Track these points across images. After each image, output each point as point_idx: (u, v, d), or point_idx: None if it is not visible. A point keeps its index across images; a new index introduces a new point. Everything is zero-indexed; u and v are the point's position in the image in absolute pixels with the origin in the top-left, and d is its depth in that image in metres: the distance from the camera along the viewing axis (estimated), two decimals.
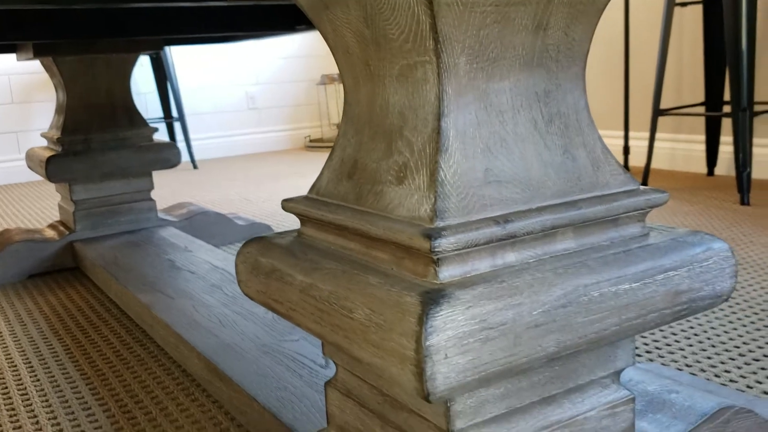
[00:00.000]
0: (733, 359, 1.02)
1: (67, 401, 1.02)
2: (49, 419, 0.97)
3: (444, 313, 0.47)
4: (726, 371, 0.99)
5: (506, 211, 0.54)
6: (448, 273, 0.51)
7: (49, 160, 1.63)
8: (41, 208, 2.68)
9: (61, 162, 1.65)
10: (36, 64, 3.54)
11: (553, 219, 0.54)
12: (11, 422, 0.97)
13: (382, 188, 0.57)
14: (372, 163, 0.60)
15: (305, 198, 0.66)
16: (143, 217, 1.80)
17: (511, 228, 0.52)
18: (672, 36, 2.61)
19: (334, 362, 0.68)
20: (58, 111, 1.78)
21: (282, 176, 3.10)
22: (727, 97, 2.40)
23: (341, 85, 4.16)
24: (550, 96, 0.57)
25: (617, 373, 0.63)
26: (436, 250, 0.49)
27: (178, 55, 3.82)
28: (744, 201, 2.00)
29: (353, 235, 0.59)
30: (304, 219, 0.66)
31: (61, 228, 1.79)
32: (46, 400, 1.03)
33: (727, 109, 2.39)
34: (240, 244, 1.90)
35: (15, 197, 3.03)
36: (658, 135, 2.71)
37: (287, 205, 0.67)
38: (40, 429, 0.95)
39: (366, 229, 0.56)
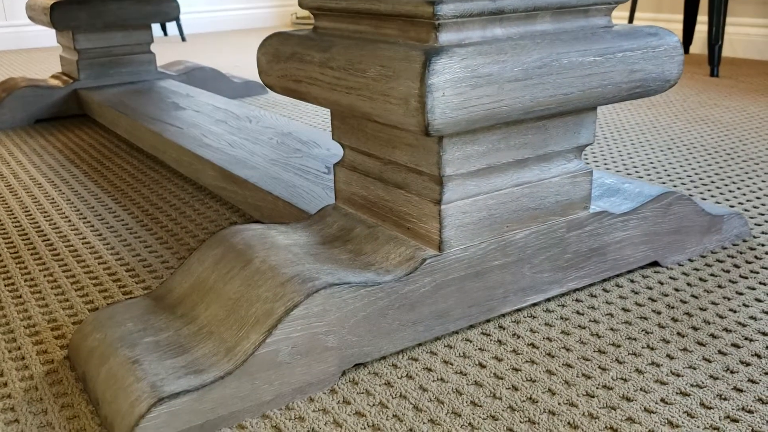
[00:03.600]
0: (684, 184, 1.16)
1: (93, 207, 1.15)
2: (79, 219, 1.10)
3: (443, 61, 0.58)
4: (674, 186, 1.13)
5: None
6: (446, 38, 0.62)
7: (53, 6, 1.69)
8: (36, 71, 2.73)
9: (65, 9, 1.70)
10: None
11: (535, 0, 0.65)
12: (47, 221, 1.09)
13: None
14: None
15: None
16: (143, 69, 1.87)
17: (500, 3, 0.63)
18: None
19: (342, 144, 0.80)
20: None
21: None
22: None
23: None
24: None
25: (580, 149, 0.76)
26: (438, 14, 0.60)
27: None
28: (713, 73, 2.11)
29: (364, 17, 0.69)
30: (318, 13, 0.76)
31: (65, 77, 1.87)
32: (75, 207, 1.15)
33: None
34: (236, 100, 1.99)
35: (4, 63, 3.05)
36: (639, 14, 2.79)
37: (304, 1, 0.77)
38: (74, 225, 1.07)
39: (376, 7, 0.66)
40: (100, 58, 1.82)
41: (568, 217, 0.76)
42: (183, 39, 3.56)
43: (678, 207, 0.85)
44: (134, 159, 1.42)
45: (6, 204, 1.17)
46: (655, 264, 0.86)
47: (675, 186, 1.15)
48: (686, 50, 2.59)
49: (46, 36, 3.63)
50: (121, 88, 1.79)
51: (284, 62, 0.75)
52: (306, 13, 4.26)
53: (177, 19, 3.50)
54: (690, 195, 1.11)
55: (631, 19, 2.44)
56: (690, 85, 2.00)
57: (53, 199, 1.20)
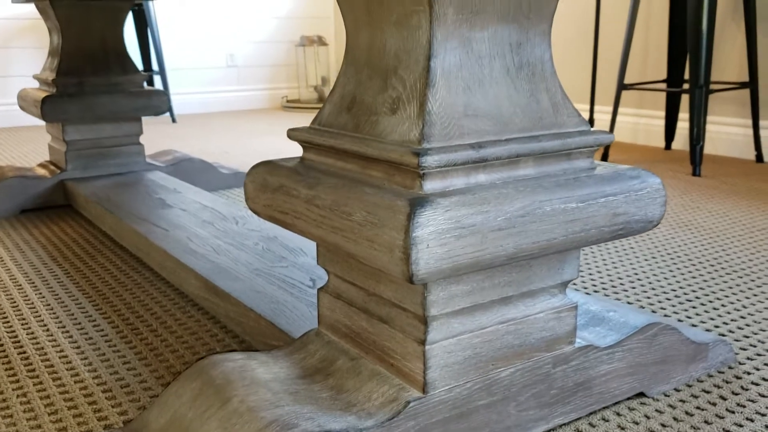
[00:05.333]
0: (669, 299, 1.16)
1: (72, 314, 1.13)
2: (58, 328, 1.08)
3: (427, 213, 0.58)
4: (662, 308, 1.13)
5: (480, 139, 0.65)
6: (431, 186, 0.62)
7: (44, 100, 1.71)
8: (24, 152, 2.74)
9: (56, 102, 1.72)
10: (16, 10, 3.54)
11: (518, 148, 0.66)
12: (24, 329, 1.07)
13: (378, 118, 0.69)
14: (369, 97, 0.71)
15: (309, 128, 0.77)
16: (132, 161, 1.88)
17: (483, 153, 0.64)
18: (639, 16, 2.74)
19: (327, 271, 0.80)
20: (51, 54, 1.85)
21: (259, 134, 3.19)
22: (687, 76, 2.54)
23: (320, 47, 4.23)
24: (521, 47, 0.69)
25: (564, 284, 0.76)
26: (423, 165, 0.61)
27: (161, 9, 3.85)
28: (696, 173, 2.15)
29: (351, 157, 0.70)
30: (306, 146, 0.77)
31: (52, 167, 1.87)
32: (54, 313, 1.13)
33: (686, 87, 2.53)
34: (224, 191, 1.99)
35: None
36: (621, 109, 2.86)
37: (293, 133, 0.78)
38: (52, 335, 1.05)
39: (363, 150, 0.67)
40: (88, 150, 1.83)
41: (553, 353, 0.75)
42: (173, 120, 3.60)
43: (663, 337, 0.85)
44: (118, 258, 1.41)
45: None
46: (641, 395, 0.85)
47: (659, 302, 1.15)
48: (668, 146, 2.64)
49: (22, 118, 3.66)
50: (109, 179, 1.79)
51: (271, 193, 0.76)
52: (297, 95, 4.34)
53: (168, 101, 3.56)
54: (675, 314, 1.11)
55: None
56: (673, 185, 2.03)
57: (32, 303, 1.18)
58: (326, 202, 0.67)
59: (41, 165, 1.92)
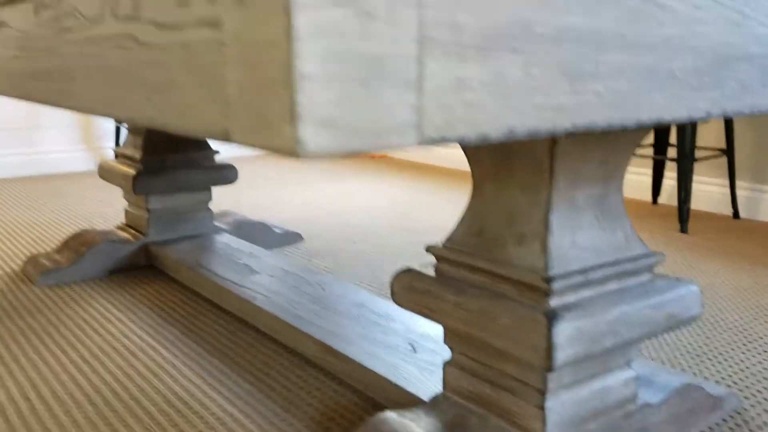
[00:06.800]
0: (682, 354, 1.47)
1: (209, 371, 1.39)
2: (202, 384, 1.34)
3: (560, 324, 0.88)
4: (679, 363, 1.44)
5: (583, 266, 0.95)
6: (554, 302, 0.92)
7: (135, 177, 1.97)
8: (70, 204, 2.97)
9: (144, 179, 1.99)
10: None
11: (607, 271, 0.96)
12: (173, 386, 1.33)
13: (506, 246, 0.98)
14: (496, 229, 1.00)
15: (444, 247, 1.06)
16: (203, 224, 2.15)
17: (587, 277, 0.94)
18: None
19: (451, 348, 1.08)
20: (133, 133, 2.11)
21: (278, 184, 3.45)
22: (672, 139, 2.89)
23: None
24: (604, 199, 0.99)
25: (629, 362, 1.06)
26: (552, 288, 0.90)
27: None
28: (683, 229, 2.48)
29: (483, 272, 0.99)
30: (442, 259, 1.06)
31: (132, 231, 2.13)
32: (192, 370, 1.40)
33: (671, 150, 2.88)
34: (279, 248, 2.27)
35: (36, 192, 3.29)
36: None
37: (432, 249, 1.07)
38: (201, 390, 1.31)
39: (499, 271, 0.96)
40: (167, 216, 2.09)
41: (623, 410, 1.05)
42: None
43: (693, 393, 1.15)
44: (222, 320, 1.68)
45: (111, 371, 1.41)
46: None
47: (675, 357, 1.46)
48: (655, 201, 2.98)
49: (67, 161, 3.88)
50: (187, 242, 2.06)
51: (419, 294, 1.04)
52: None
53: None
54: (689, 368, 1.42)
55: None
56: (664, 242, 2.36)
57: (171, 362, 1.44)
58: (473, 306, 0.96)
59: (120, 228, 2.18)
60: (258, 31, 0.39)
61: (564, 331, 0.87)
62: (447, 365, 1.09)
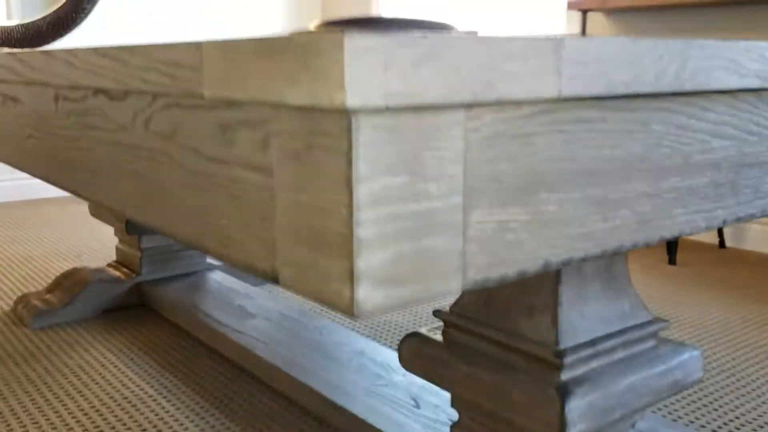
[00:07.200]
0: (678, 401, 1.50)
1: (211, 425, 1.39)
2: None
3: (572, 399, 0.89)
4: (675, 410, 1.46)
5: (593, 336, 0.97)
6: (564, 375, 0.93)
7: (129, 221, 1.96)
8: (53, 233, 2.95)
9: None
10: None
11: (615, 341, 0.98)
12: None
13: (516, 317, 0.99)
14: (505, 299, 1.01)
15: (451, 312, 1.07)
16: (195, 262, 2.14)
17: (596, 347, 0.95)
18: None
19: (459, 412, 1.10)
20: None
21: None
22: None
23: None
24: (610, 268, 1.01)
25: (634, 423, 1.07)
26: (563, 363, 0.92)
27: None
28: (672, 261, 2.52)
29: (493, 342, 1.01)
30: (451, 324, 1.07)
31: (124, 269, 2.12)
32: (193, 423, 1.39)
33: None
34: (265, 285, 2.27)
35: (18, 219, 3.26)
36: None
37: (440, 314, 1.08)
38: None
39: (509, 342, 0.97)
40: (159, 254, 2.08)
41: None
42: None
43: None
44: (220, 366, 1.67)
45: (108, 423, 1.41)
46: None
47: (672, 404, 1.49)
48: None
49: (46, 188, 3.85)
50: (180, 281, 2.05)
51: (429, 361, 1.05)
52: None
53: None
54: (686, 415, 1.44)
55: None
56: (654, 275, 2.40)
57: (171, 414, 1.43)
58: (484, 377, 0.98)
59: (112, 266, 2.17)
60: (314, 193, 0.40)
61: (577, 408, 0.89)
62: (455, 428, 1.10)
